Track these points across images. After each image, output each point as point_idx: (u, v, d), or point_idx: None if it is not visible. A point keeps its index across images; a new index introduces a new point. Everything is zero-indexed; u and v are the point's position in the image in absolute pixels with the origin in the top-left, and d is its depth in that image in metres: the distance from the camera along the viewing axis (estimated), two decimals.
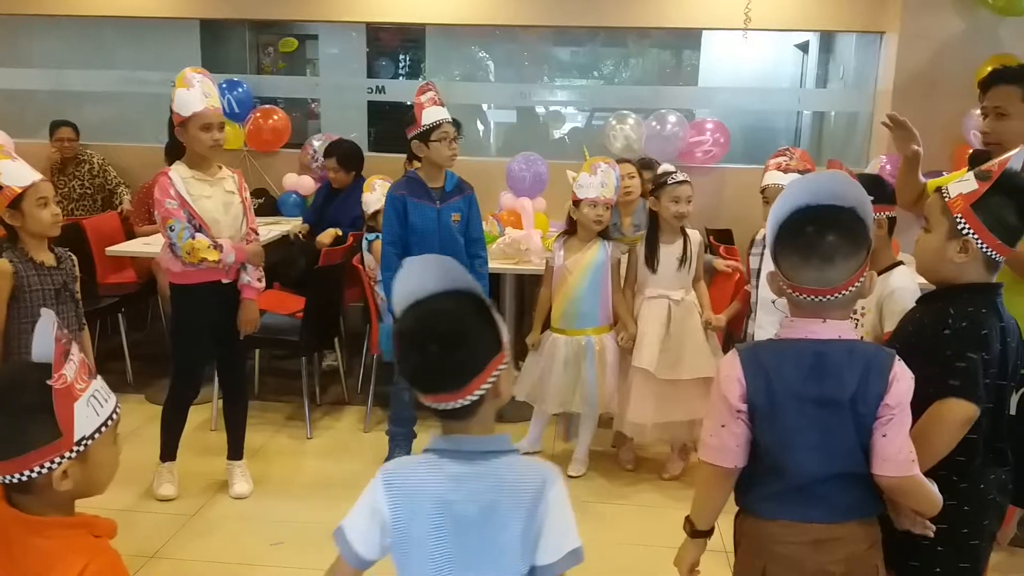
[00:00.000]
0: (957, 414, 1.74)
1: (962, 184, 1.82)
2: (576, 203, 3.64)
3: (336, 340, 4.68)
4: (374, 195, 4.24)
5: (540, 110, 7.90)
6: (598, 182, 3.59)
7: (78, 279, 2.85)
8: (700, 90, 7.23)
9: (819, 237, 1.62)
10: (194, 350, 3.44)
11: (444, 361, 1.36)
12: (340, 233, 4.83)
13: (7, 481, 1.29)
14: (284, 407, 4.49)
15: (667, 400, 3.63)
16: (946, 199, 1.83)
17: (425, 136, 3.47)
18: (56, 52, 6.66)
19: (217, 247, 3.20)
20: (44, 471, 1.28)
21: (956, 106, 4.86)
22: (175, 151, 3.28)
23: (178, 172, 3.23)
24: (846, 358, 1.63)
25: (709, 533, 1.82)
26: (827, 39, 7.00)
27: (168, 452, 3.47)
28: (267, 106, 5.90)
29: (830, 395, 1.62)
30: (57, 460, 1.29)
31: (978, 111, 4.66)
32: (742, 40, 5.48)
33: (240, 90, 5.74)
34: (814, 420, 1.63)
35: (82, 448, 1.31)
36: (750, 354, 1.70)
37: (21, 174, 2.64)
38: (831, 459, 1.65)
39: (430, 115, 3.48)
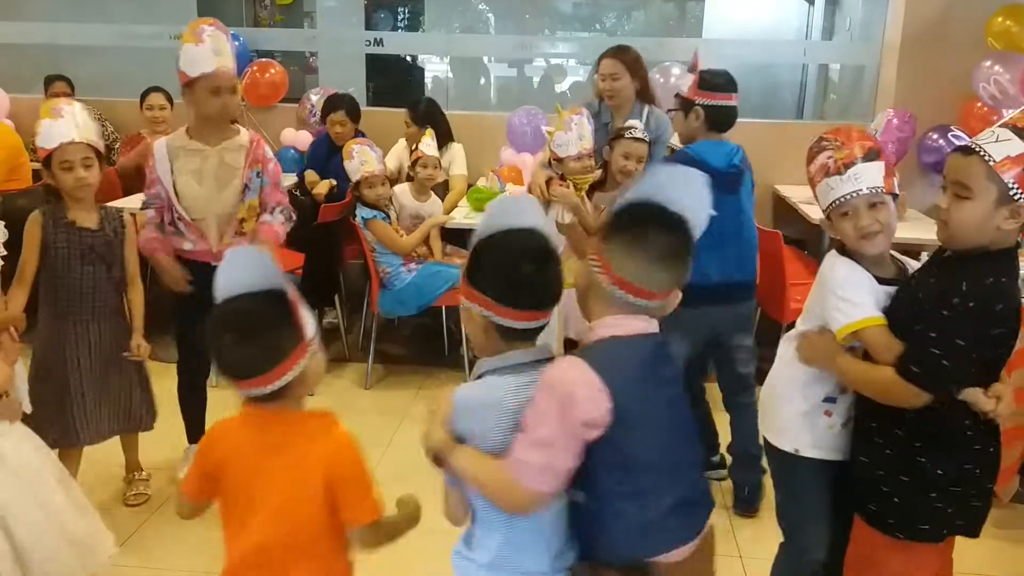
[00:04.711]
0: (905, 396, 1.75)
1: (1005, 145, 1.68)
2: (559, 160, 3.49)
3: (336, 297, 4.66)
4: (353, 163, 4.09)
5: (541, 63, 7.79)
6: (575, 136, 3.45)
7: (123, 243, 2.85)
8: (704, 42, 7.11)
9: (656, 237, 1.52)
10: (196, 327, 3.23)
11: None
12: (335, 184, 4.74)
13: (277, 387, 1.52)
14: None
15: None
16: (991, 163, 1.68)
17: None
18: (50, 5, 6.55)
19: (143, 230, 2.97)
20: (298, 372, 1.54)
21: (965, 59, 4.77)
22: None
23: (169, 142, 2.96)
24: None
25: None
26: None
27: (194, 433, 3.27)
28: (264, 60, 5.82)
29: (676, 386, 1.58)
30: (303, 361, 1.55)
31: (988, 62, 4.61)
32: None
33: (237, 43, 5.60)
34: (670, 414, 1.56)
35: (314, 347, 1.58)
36: (597, 359, 1.48)
37: (52, 135, 2.64)
38: (691, 451, 1.60)
39: None
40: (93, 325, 2.81)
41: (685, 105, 2.96)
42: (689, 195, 1.55)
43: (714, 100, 2.92)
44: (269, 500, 1.57)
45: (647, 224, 1.51)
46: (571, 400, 1.42)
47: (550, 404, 1.43)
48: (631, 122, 3.62)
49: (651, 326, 1.55)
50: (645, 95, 4.01)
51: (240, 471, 1.60)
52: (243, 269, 1.56)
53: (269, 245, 3.01)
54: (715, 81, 2.92)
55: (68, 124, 2.66)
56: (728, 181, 2.91)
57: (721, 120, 2.95)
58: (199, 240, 2.99)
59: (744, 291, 3.07)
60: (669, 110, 3.03)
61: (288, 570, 1.59)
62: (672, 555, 1.51)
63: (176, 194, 2.94)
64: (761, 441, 3.01)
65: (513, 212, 1.57)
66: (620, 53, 3.97)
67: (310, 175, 4.89)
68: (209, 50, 2.83)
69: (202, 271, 2.91)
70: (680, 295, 1.58)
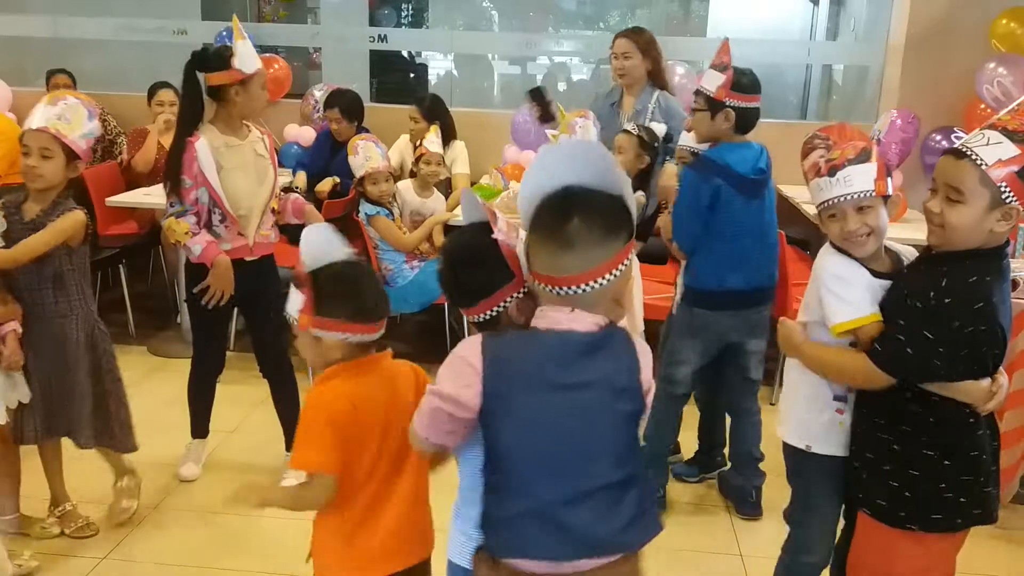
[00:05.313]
0: (865, 374, 1.79)
1: (996, 148, 1.67)
2: None
3: None
4: (357, 158, 4.06)
5: (544, 61, 7.79)
6: (580, 139, 3.48)
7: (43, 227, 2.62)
8: (708, 41, 7.11)
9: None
10: (214, 327, 3.20)
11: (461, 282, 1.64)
12: (338, 180, 4.75)
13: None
14: None
15: None
16: (983, 167, 1.67)
17: None
18: None
19: (193, 234, 2.89)
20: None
21: (969, 60, 4.77)
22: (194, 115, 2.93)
23: (208, 142, 2.89)
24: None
25: None
26: None
27: (198, 429, 3.28)
28: (268, 55, 5.79)
29: (589, 392, 1.45)
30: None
31: (991, 64, 4.61)
32: None
33: None
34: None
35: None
36: (494, 346, 1.47)
37: (30, 120, 2.60)
38: (582, 470, 1.45)
39: None
40: (34, 325, 2.62)
41: (714, 105, 2.78)
42: (579, 167, 1.44)
43: (744, 102, 2.77)
44: (395, 429, 1.74)
45: (539, 209, 1.45)
46: (450, 370, 1.47)
47: (444, 366, 1.50)
48: (655, 126, 3.65)
49: (575, 321, 1.43)
50: (657, 78, 4.07)
51: (361, 416, 1.75)
52: (324, 241, 1.85)
53: (318, 216, 3.23)
54: (746, 82, 2.78)
55: (48, 112, 2.58)
56: (753, 186, 2.81)
57: (749, 123, 2.83)
58: (236, 238, 2.99)
59: (765, 296, 2.99)
60: (693, 109, 2.94)
61: (405, 489, 1.78)
62: (523, 564, 1.44)
63: (223, 192, 2.91)
64: (763, 445, 3.05)
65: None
66: (633, 34, 4.07)
67: (299, 179, 4.96)
68: (252, 47, 2.91)
69: (235, 269, 2.97)
70: (620, 286, 1.45)
